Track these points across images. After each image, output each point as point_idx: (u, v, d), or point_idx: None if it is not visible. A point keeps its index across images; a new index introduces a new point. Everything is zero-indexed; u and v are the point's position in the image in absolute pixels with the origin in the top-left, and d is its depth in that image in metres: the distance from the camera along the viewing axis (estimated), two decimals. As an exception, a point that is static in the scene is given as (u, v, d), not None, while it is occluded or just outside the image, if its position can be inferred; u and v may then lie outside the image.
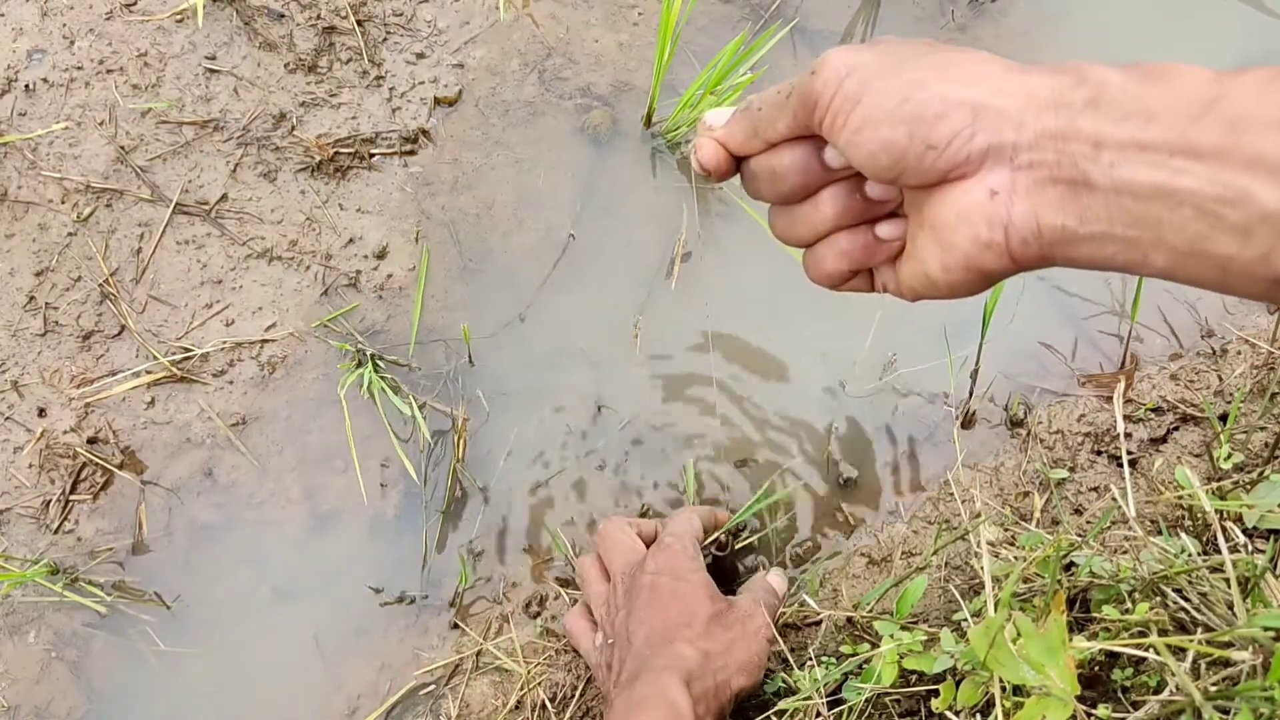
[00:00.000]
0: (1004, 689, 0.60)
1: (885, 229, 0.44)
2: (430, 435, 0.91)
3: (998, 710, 0.59)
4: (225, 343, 0.92)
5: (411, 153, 1.00)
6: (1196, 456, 0.90)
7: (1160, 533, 0.81)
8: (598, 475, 0.91)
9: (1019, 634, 0.57)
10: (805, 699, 0.71)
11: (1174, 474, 0.88)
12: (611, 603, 0.77)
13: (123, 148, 0.97)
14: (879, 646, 0.71)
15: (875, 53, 0.40)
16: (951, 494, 0.90)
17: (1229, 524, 0.74)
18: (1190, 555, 0.69)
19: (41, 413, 0.90)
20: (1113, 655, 0.65)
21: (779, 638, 0.75)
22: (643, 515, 0.91)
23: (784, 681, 0.76)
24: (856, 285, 0.48)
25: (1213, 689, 0.55)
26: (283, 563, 0.87)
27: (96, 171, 0.96)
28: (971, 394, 0.94)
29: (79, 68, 0.99)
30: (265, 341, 0.93)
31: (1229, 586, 0.62)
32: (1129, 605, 0.66)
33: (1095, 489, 0.90)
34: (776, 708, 0.72)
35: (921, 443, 0.94)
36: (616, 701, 0.66)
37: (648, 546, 0.80)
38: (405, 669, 0.85)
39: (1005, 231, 0.38)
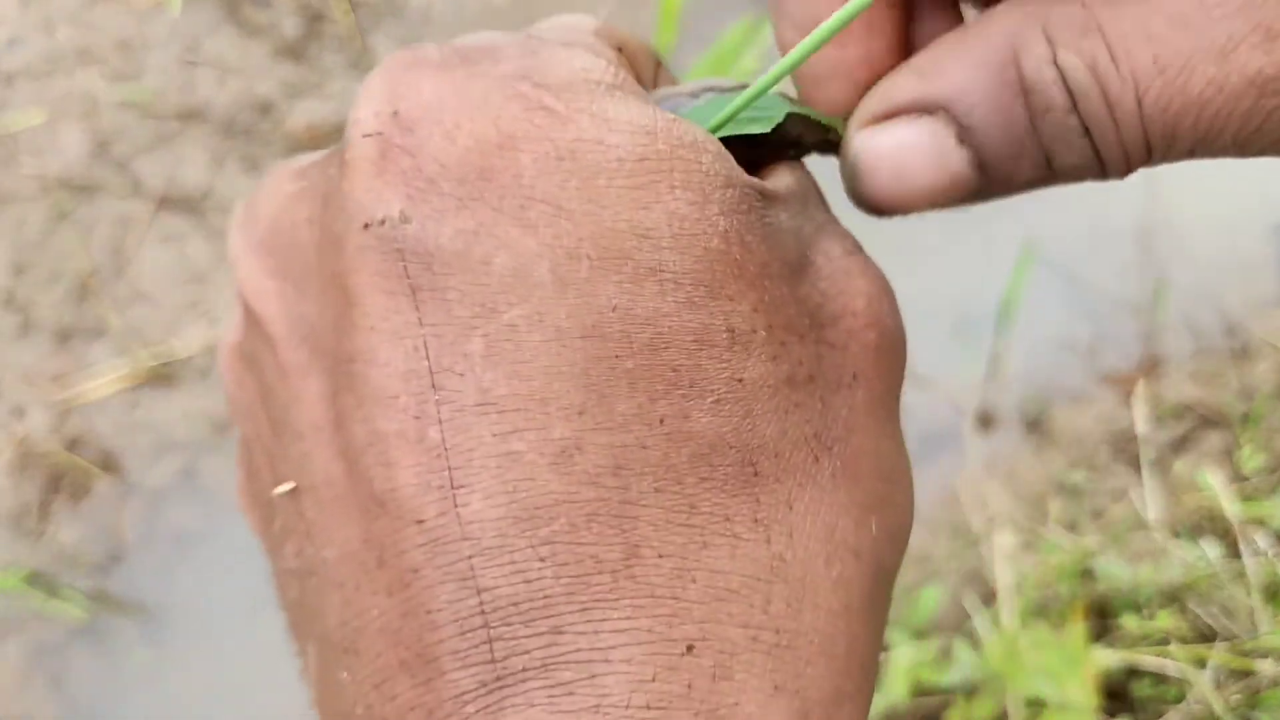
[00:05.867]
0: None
1: None
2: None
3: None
4: (208, 342, 0.90)
5: (402, 144, 0.98)
6: (1218, 458, 0.87)
7: (1178, 535, 0.78)
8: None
9: (1036, 644, 0.55)
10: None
11: (1195, 476, 0.85)
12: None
13: (103, 140, 0.94)
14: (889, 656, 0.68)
15: None
16: (965, 497, 0.88)
17: (1252, 528, 0.72)
18: (1210, 562, 0.66)
19: (20, 414, 0.87)
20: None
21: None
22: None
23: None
24: None
25: (1234, 699, 0.53)
26: (267, 568, 0.85)
27: (77, 164, 0.94)
28: (987, 394, 0.91)
29: (59, 57, 0.97)
30: (251, 339, 0.91)
31: (1249, 595, 0.60)
32: (1149, 612, 0.64)
33: (1114, 492, 0.87)
34: None
35: (934, 444, 0.91)
36: None
37: None
38: (396, 678, 0.83)
39: None
